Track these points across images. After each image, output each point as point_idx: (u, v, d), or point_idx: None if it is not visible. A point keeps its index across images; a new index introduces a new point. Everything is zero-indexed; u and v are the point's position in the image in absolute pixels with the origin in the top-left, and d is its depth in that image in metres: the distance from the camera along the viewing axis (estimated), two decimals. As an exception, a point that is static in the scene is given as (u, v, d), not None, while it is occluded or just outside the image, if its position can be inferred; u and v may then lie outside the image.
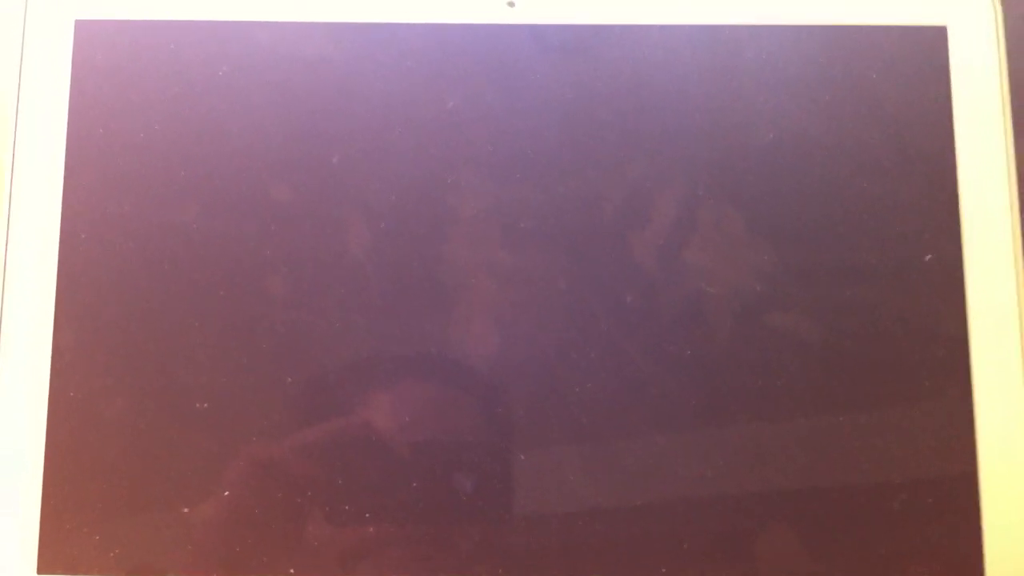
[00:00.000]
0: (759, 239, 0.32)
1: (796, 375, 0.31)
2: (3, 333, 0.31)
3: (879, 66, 0.33)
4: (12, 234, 0.31)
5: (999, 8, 0.33)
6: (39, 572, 0.30)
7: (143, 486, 0.30)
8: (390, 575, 0.30)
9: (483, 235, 0.31)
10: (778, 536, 0.30)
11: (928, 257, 0.31)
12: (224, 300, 0.31)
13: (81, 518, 0.30)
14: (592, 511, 0.30)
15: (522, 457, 0.30)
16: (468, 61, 0.33)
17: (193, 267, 0.31)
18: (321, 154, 0.32)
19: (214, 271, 0.31)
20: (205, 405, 0.30)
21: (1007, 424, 0.30)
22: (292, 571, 0.30)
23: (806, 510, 0.30)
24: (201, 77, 0.32)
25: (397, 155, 0.32)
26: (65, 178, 0.32)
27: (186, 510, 0.30)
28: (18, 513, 0.30)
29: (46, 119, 0.32)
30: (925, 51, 0.33)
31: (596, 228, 0.32)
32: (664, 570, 0.30)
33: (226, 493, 0.30)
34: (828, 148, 0.32)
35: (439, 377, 0.31)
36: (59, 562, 0.30)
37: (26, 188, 0.32)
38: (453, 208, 0.32)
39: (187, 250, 0.31)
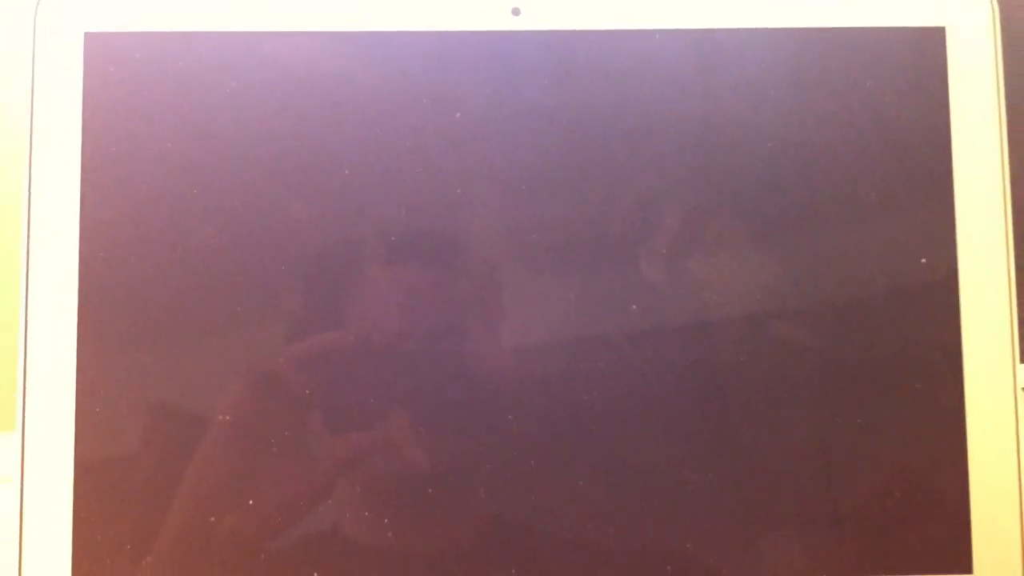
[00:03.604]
0: (760, 249, 0.32)
1: (796, 382, 0.32)
2: (28, 352, 0.31)
3: (876, 69, 0.33)
4: (32, 254, 0.32)
5: (997, 9, 0.33)
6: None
7: (171, 497, 0.31)
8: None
9: (493, 249, 0.32)
10: (780, 536, 0.31)
11: (923, 260, 0.32)
12: (241, 316, 0.32)
13: (113, 530, 0.31)
14: (599, 515, 0.31)
15: (532, 463, 0.31)
16: (474, 71, 0.33)
17: (209, 284, 0.32)
18: (332, 168, 0.32)
19: (230, 288, 0.32)
20: (228, 418, 0.31)
21: (997, 427, 0.32)
22: (316, 576, 0.31)
23: (806, 511, 0.32)
24: (210, 91, 0.33)
25: (406, 168, 0.32)
26: (81, 196, 0.32)
27: (212, 519, 0.31)
28: (50, 525, 0.31)
29: (59, 136, 0.32)
30: (923, 53, 0.33)
31: (604, 239, 0.32)
32: (669, 568, 0.31)
33: (250, 503, 0.31)
34: (826, 156, 0.33)
35: (452, 387, 0.32)
36: (92, 574, 0.31)
37: (43, 208, 0.32)
38: (463, 222, 0.32)
39: (203, 267, 0.32)
